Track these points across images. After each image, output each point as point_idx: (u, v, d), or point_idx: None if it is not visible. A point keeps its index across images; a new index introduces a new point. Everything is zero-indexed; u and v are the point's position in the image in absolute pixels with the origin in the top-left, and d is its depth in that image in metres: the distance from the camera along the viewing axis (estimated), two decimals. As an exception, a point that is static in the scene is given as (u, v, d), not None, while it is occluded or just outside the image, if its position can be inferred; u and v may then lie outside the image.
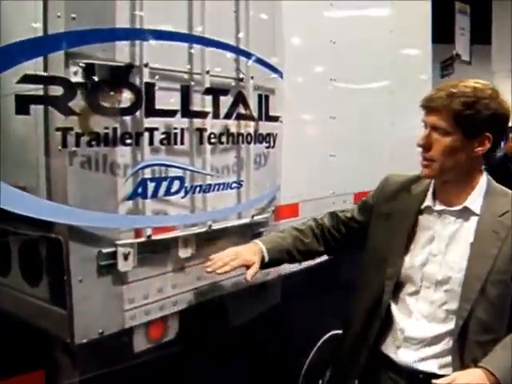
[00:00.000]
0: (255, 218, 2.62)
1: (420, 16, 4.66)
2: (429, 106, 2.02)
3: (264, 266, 2.34)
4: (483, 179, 2.15)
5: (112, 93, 2.02)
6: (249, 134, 2.56)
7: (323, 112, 3.30)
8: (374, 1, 3.78)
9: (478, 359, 2.00)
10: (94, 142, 1.96)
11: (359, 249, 2.47)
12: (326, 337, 3.41)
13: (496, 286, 2.03)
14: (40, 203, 1.90)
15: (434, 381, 1.93)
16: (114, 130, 2.02)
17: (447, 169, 2.07)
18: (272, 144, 2.74)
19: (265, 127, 2.67)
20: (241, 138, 2.52)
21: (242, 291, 2.61)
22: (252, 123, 2.58)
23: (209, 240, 2.41)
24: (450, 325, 2.09)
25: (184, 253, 2.31)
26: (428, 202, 2.19)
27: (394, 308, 2.23)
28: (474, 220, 2.11)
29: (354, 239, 2.46)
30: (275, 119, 2.74)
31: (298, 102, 3.01)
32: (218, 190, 2.41)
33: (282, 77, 2.75)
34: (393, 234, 2.24)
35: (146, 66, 2.08)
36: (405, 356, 2.17)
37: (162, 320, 2.31)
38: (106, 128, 1.99)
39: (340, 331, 3.44)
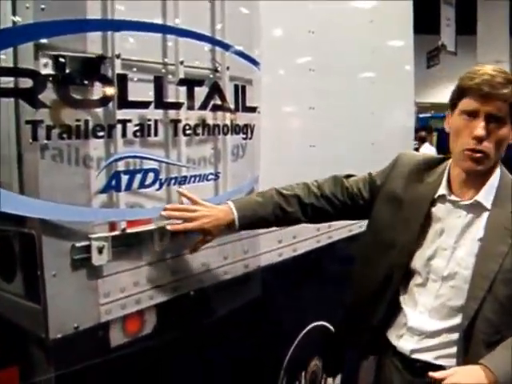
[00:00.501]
0: (232, 209, 2.59)
1: (402, 6, 4.64)
2: (489, 93, 1.93)
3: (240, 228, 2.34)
4: (497, 171, 2.11)
5: (83, 85, 1.99)
6: (225, 125, 2.53)
7: (302, 102, 3.27)
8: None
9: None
10: (65, 135, 1.92)
11: (349, 220, 2.60)
12: (307, 329, 3.42)
13: (505, 284, 2.00)
14: (12, 198, 1.87)
15: (430, 373, 1.94)
16: (86, 122, 1.98)
17: (495, 161, 2.05)
18: (249, 135, 2.71)
19: (242, 118, 2.65)
20: (217, 129, 2.49)
21: (220, 284, 2.61)
22: (228, 114, 2.55)
23: (185, 233, 2.38)
24: (453, 321, 2.09)
25: (160, 246, 2.28)
26: (442, 190, 2.14)
27: (401, 296, 2.25)
28: (485, 215, 2.07)
29: (354, 213, 2.47)
30: (252, 110, 2.71)
31: (276, 92, 2.98)
32: (194, 181, 2.38)
33: (259, 67, 2.72)
34: (404, 221, 2.21)
35: (118, 57, 2.04)
36: (406, 345, 2.19)
37: (139, 314, 2.29)
38: (78, 120, 1.96)
39: (322, 323, 3.49)
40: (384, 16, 4.14)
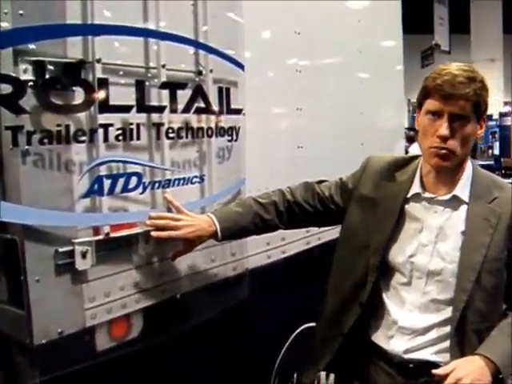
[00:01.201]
0: (218, 212, 2.58)
1: (390, 6, 4.64)
2: (451, 94, 1.97)
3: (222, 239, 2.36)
4: (469, 164, 2.15)
5: (64, 90, 1.99)
6: (209, 127, 2.53)
7: (289, 104, 3.28)
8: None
9: (476, 346, 2.02)
10: (46, 140, 1.92)
11: (323, 226, 2.67)
12: (298, 331, 3.41)
13: (492, 274, 2.05)
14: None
15: (434, 371, 1.95)
16: (67, 127, 1.98)
17: (463, 158, 2.09)
18: (235, 137, 2.71)
19: (227, 120, 2.65)
20: (201, 132, 2.49)
21: (207, 287, 2.60)
22: (212, 117, 2.55)
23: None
24: (443, 315, 2.10)
25: (144, 249, 2.28)
26: (416, 189, 2.17)
27: (385, 298, 2.24)
28: (463, 208, 2.10)
29: (327, 218, 2.49)
30: (237, 112, 2.71)
31: (262, 94, 2.99)
32: (179, 185, 2.38)
33: (243, 69, 2.72)
34: (378, 221, 2.23)
35: (99, 61, 2.05)
36: (397, 346, 2.18)
37: (125, 318, 2.29)
38: (59, 125, 1.96)
39: (313, 324, 3.47)
40: (372, 16, 4.16)
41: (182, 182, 2.40)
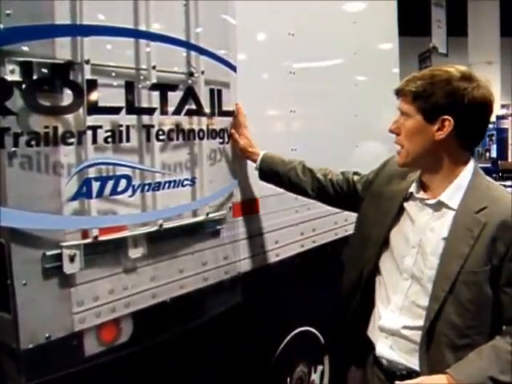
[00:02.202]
0: (210, 215, 2.57)
1: (386, 8, 4.62)
2: (397, 90, 2.08)
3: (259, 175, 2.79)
4: (466, 172, 2.09)
5: (52, 91, 1.96)
6: (201, 129, 2.51)
7: (283, 106, 3.26)
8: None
9: (449, 363, 1.96)
10: (33, 142, 1.90)
11: (344, 209, 2.77)
12: (291, 335, 3.39)
13: (467, 287, 1.97)
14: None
15: (397, 382, 1.96)
16: (55, 128, 1.96)
17: (415, 155, 2.08)
18: (226, 139, 2.70)
19: (218, 122, 2.64)
20: (192, 134, 2.47)
21: (199, 291, 2.58)
22: (204, 119, 2.53)
23: (161, 239, 2.36)
24: (420, 322, 2.05)
25: (134, 253, 2.26)
26: (412, 188, 2.18)
27: (378, 294, 2.25)
28: (450, 215, 2.06)
29: (347, 203, 2.61)
30: (229, 114, 2.70)
31: (256, 96, 2.96)
32: (169, 187, 2.36)
33: (235, 70, 2.70)
34: (380, 215, 2.25)
35: (88, 62, 2.02)
36: (382, 346, 2.18)
37: (115, 322, 2.26)
38: (46, 127, 1.94)
39: (307, 328, 3.47)
40: (368, 18, 4.13)
41: (172, 184, 2.38)
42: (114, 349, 2.26)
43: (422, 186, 2.17)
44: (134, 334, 2.33)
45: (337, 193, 2.60)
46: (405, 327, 2.09)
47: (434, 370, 1.96)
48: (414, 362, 2.07)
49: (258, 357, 3.13)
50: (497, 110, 19.45)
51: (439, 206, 2.08)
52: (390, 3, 4.69)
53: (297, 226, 3.27)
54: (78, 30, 2.02)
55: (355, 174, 2.58)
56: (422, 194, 2.14)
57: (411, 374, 2.07)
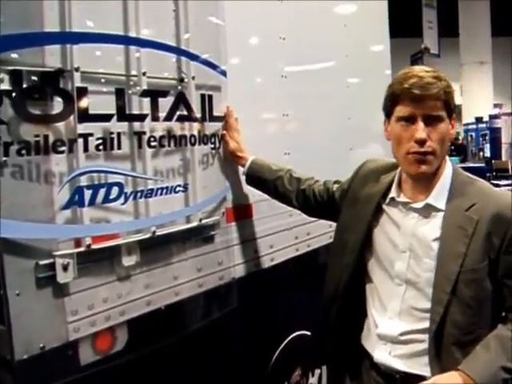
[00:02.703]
0: (203, 221, 2.56)
1: (377, 10, 4.62)
2: (421, 95, 1.95)
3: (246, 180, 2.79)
4: (448, 168, 2.11)
5: (42, 99, 1.95)
6: (192, 135, 2.50)
7: (275, 110, 3.25)
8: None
9: (458, 360, 1.96)
10: (24, 151, 1.88)
11: (326, 220, 2.75)
12: (288, 339, 3.38)
13: (469, 286, 1.97)
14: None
15: None
16: (46, 137, 1.95)
17: (441, 159, 2.07)
18: (218, 144, 2.69)
19: (209, 128, 2.63)
20: (184, 139, 2.46)
21: (194, 298, 2.57)
22: (195, 124, 2.52)
23: (155, 246, 2.35)
24: (424, 324, 2.03)
25: (128, 261, 2.24)
26: (392, 193, 2.16)
27: (370, 302, 2.23)
28: (439, 216, 2.05)
29: (328, 214, 2.58)
30: (220, 119, 2.69)
31: (248, 100, 2.96)
32: (162, 194, 2.35)
33: (225, 75, 2.70)
34: (356, 220, 2.24)
35: (78, 70, 2.01)
36: (380, 353, 2.15)
37: (110, 330, 2.25)
38: (37, 136, 1.92)
39: (303, 332, 3.45)
40: (359, 20, 4.13)
41: (165, 191, 2.37)
42: (110, 357, 2.24)
43: (400, 187, 2.17)
44: (129, 342, 2.31)
45: (318, 203, 2.61)
46: (405, 332, 2.08)
47: (445, 370, 1.96)
48: (413, 366, 2.06)
49: (255, 362, 3.12)
50: (490, 110, 19.51)
51: (426, 209, 2.08)
52: (381, 5, 4.69)
53: (291, 230, 3.26)
54: (67, 38, 2.01)
55: (335, 182, 2.59)
56: (403, 198, 2.14)
57: (410, 376, 2.05)
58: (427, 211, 2.08)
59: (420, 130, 1.96)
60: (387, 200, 2.18)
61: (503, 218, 1.97)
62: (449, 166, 2.12)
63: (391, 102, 2.06)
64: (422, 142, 1.97)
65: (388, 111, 2.10)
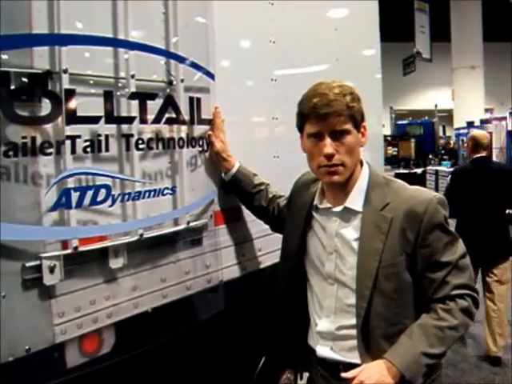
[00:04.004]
0: (191, 224, 2.56)
1: (367, 15, 4.64)
2: (325, 114, 2.05)
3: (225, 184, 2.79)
4: (364, 172, 2.22)
5: (30, 101, 1.95)
6: (180, 138, 2.50)
7: (264, 113, 3.27)
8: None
9: (385, 351, 2.08)
10: (11, 153, 1.89)
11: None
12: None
13: (389, 279, 2.09)
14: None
15: (342, 374, 2.07)
16: (33, 139, 1.95)
17: (352, 168, 2.16)
18: (206, 147, 2.69)
19: (198, 130, 2.63)
20: (172, 142, 2.46)
21: (182, 300, 2.56)
22: (183, 127, 2.52)
23: (142, 248, 2.35)
24: (355, 320, 2.15)
25: (115, 263, 2.24)
26: (316, 200, 2.30)
27: (310, 303, 2.35)
28: (357, 217, 2.17)
29: (279, 228, 2.62)
30: (208, 122, 2.70)
31: (237, 103, 2.97)
32: (149, 196, 2.34)
33: (214, 78, 2.70)
34: (292, 228, 2.39)
35: (66, 72, 2.01)
36: (322, 349, 2.27)
37: (97, 333, 2.24)
38: (24, 137, 1.92)
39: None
40: (349, 24, 4.14)
41: (153, 193, 2.37)
42: (97, 360, 2.24)
43: (324, 194, 2.29)
44: (116, 345, 2.31)
45: (275, 219, 2.73)
46: (340, 327, 2.20)
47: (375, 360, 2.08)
48: (354, 358, 2.16)
49: (243, 365, 3.12)
50: (480, 114, 19.59)
51: (345, 212, 2.19)
52: (372, 9, 4.70)
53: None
54: (56, 40, 2.01)
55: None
56: (325, 204, 2.27)
57: (353, 366, 2.12)
58: (347, 214, 2.19)
59: (327, 145, 2.07)
60: (314, 207, 2.31)
61: (415, 214, 2.08)
62: (365, 169, 2.23)
63: (300, 120, 2.19)
64: (329, 157, 2.07)
65: (299, 127, 2.23)
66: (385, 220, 2.10)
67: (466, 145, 17.46)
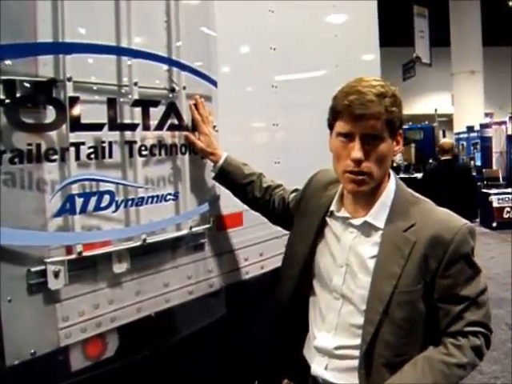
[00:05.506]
0: (193, 229, 2.58)
1: (367, 21, 4.67)
2: (361, 114, 1.86)
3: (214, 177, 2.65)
4: (391, 186, 2.06)
5: (34, 108, 1.98)
6: (183, 144, 2.54)
7: (265, 119, 3.30)
8: (316, 6, 3.76)
9: (386, 380, 1.93)
10: (16, 160, 1.91)
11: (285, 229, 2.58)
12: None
13: (401, 307, 1.93)
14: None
15: None
16: (38, 146, 1.98)
17: (380, 179, 1.99)
18: (207, 153, 2.70)
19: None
20: (175, 148, 2.50)
21: (184, 304, 2.59)
22: (186, 133, 2.55)
23: (145, 253, 2.38)
24: (358, 340, 1.99)
25: (118, 268, 2.27)
26: (333, 206, 2.13)
27: (311, 314, 2.20)
28: (378, 233, 2.01)
29: (286, 224, 2.51)
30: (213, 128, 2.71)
31: (238, 110, 3.00)
32: (152, 202, 2.37)
33: (216, 85, 2.73)
34: (303, 232, 2.21)
35: (70, 79, 2.04)
36: (317, 366, 2.11)
37: (100, 337, 2.27)
38: (30, 144, 1.95)
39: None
40: (349, 30, 4.17)
41: (155, 199, 2.40)
42: (100, 363, 2.27)
43: (342, 201, 2.13)
44: (119, 348, 2.33)
45: (275, 212, 2.60)
46: (340, 347, 2.04)
47: None
48: (348, 379, 2.02)
49: (242, 371, 3.13)
50: (480, 119, 19.61)
51: (365, 226, 2.03)
52: (371, 15, 4.73)
53: (281, 239, 3.27)
54: (60, 48, 2.04)
55: (294, 191, 2.55)
56: (343, 213, 2.11)
57: None
58: (366, 228, 2.03)
59: (357, 149, 1.89)
60: (329, 212, 2.15)
61: (441, 241, 1.92)
62: (392, 182, 2.07)
63: (332, 117, 2.02)
64: (357, 162, 1.90)
65: (330, 124, 2.06)
66: (407, 243, 1.93)
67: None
